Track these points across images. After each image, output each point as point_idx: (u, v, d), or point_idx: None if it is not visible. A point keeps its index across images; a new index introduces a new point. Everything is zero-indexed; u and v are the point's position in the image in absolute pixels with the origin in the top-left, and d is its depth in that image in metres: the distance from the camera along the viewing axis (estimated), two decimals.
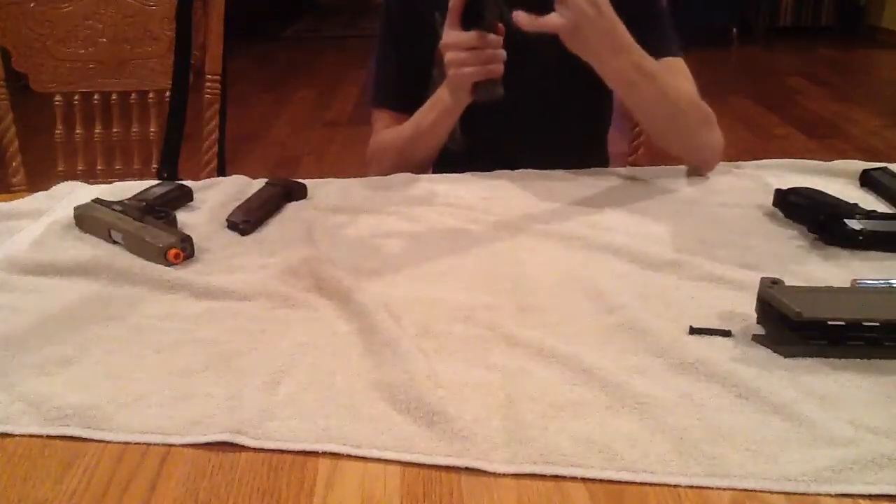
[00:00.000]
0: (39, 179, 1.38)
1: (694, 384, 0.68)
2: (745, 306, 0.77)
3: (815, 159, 1.18)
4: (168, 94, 1.52)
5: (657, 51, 1.10)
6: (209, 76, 1.54)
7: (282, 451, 0.62)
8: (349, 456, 0.61)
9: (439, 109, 1.15)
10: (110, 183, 1.17)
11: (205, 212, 1.05)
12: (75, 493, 0.58)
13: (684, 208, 1.03)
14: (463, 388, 0.67)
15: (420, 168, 1.23)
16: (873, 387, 0.67)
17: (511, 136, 1.24)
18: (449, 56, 1.04)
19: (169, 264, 0.89)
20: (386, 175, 1.17)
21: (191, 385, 0.69)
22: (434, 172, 1.26)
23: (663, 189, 1.09)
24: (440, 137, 1.20)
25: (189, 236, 0.92)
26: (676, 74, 1.16)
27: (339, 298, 0.82)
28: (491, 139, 1.24)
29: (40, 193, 1.13)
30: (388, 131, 1.28)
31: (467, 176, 1.15)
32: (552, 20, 0.95)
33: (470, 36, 1.01)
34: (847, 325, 0.71)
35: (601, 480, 0.58)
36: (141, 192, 1.05)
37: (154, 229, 0.93)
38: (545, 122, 1.25)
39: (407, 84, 1.27)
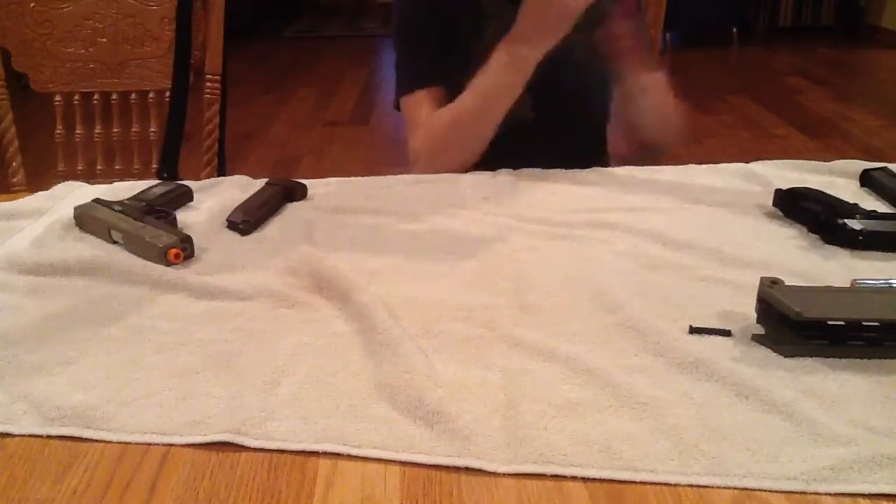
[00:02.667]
0: (39, 179, 1.38)
1: (694, 384, 0.68)
2: (745, 306, 0.77)
3: (815, 159, 1.18)
4: (168, 94, 1.53)
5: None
6: (209, 76, 1.54)
7: (282, 451, 0.62)
8: (349, 456, 0.61)
9: (513, 67, 1.09)
10: (110, 183, 1.17)
11: (205, 212, 1.05)
12: (75, 493, 0.58)
13: (684, 208, 1.03)
14: (463, 388, 0.67)
15: (482, 149, 1.16)
16: (873, 387, 0.67)
17: (527, 136, 1.22)
18: None
19: (169, 264, 0.89)
20: (447, 167, 1.14)
21: (191, 385, 0.69)
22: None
23: (663, 189, 1.09)
24: (511, 102, 1.12)
25: (189, 236, 0.92)
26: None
27: (339, 298, 0.82)
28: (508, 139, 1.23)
29: (40, 193, 1.13)
30: (442, 112, 1.18)
31: (467, 176, 1.15)
32: None
33: None
34: (847, 325, 0.71)
35: (601, 480, 0.58)
36: (141, 192, 1.05)
37: (154, 229, 0.93)
38: (557, 121, 1.25)
39: (446, 62, 1.20)
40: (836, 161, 1.16)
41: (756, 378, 0.67)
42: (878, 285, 0.81)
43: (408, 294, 0.83)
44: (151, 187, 1.07)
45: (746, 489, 0.57)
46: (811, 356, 0.71)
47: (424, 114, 1.21)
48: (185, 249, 0.91)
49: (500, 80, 1.11)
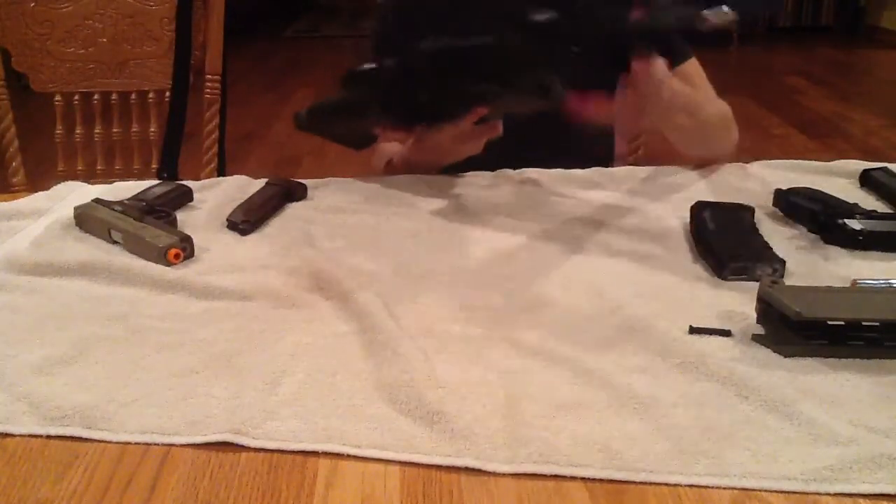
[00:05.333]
0: (39, 179, 1.38)
1: (694, 384, 0.68)
2: (745, 306, 0.77)
3: (815, 159, 1.18)
4: (168, 94, 1.53)
5: (679, 55, 1.22)
6: (209, 76, 1.54)
7: (282, 451, 0.62)
8: (349, 456, 0.61)
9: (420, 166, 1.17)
10: (110, 183, 1.17)
11: (205, 212, 1.05)
12: (75, 493, 0.58)
13: (684, 208, 1.03)
14: (463, 388, 0.67)
15: None
16: (873, 387, 0.67)
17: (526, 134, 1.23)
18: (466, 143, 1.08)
19: (169, 264, 0.89)
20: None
21: (191, 385, 0.69)
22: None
23: (663, 189, 1.09)
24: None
25: (189, 236, 0.92)
26: (695, 79, 1.25)
27: (339, 298, 0.82)
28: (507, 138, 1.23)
29: (40, 193, 1.13)
30: (378, 164, 1.28)
31: (467, 176, 1.15)
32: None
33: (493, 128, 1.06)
34: (847, 325, 0.71)
35: (601, 480, 0.58)
36: (141, 192, 1.05)
37: (154, 229, 0.93)
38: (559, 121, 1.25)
39: None
40: (836, 161, 1.16)
41: (756, 378, 0.67)
42: (878, 285, 0.81)
43: (408, 294, 0.83)
44: (151, 187, 1.07)
45: (746, 489, 0.57)
46: (811, 356, 0.71)
47: (375, 157, 1.29)
48: (185, 249, 0.91)
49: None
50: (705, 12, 0.92)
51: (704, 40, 0.96)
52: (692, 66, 1.26)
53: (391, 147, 1.27)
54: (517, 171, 1.16)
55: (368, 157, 1.32)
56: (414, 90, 1.04)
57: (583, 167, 1.17)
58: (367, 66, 1.06)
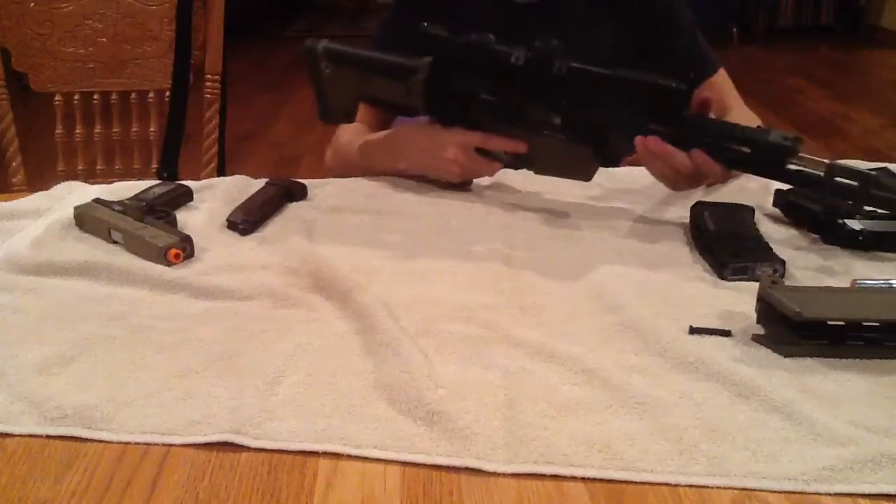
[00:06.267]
0: (39, 179, 1.38)
1: (694, 384, 0.68)
2: (745, 306, 0.77)
3: None
4: (168, 94, 1.53)
5: (710, 67, 1.24)
6: (209, 76, 1.55)
7: (282, 451, 0.62)
8: (349, 456, 0.61)
9: (384, 164, 1.16)
10: (110, 183, 1.17)
11: (205, 212, 1.04)
12: (75, 493, 0.58)
13: (684, 208, 1.03)
14: (463, 388, 0.67)
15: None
16: (873, 387, 0.67)
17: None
18: (460, 160, 1.05)
19: (169, 264, 0.89)
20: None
21: (191, 385, 0.69)
22: None
23: (664, 189, 1.09)
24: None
25: (189, 236, 0.92)
26: (725, 90, 1.25)
27: (339, 298, 0.82)
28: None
29: (40, 193, 1.13)
30: (343, 149, 1.25)
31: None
32: (682, 161, 0.92)
33: (491, 167, 1.05)
34: (847, 325, 0.71)
35: (601, 480, 0.58)
36: (141, 192, 1.05)
37: (154, 229, 0.93)
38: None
39: None
40: None
41: (756, 378, 0.67)
42: (878, 285, 0.81)
43: (408, 294, 0.83)
44: (151, 187, 1.07)
45: (746, 489, 0.57)
46: (811, 356, 0.71)
47: (343, 137, 1.26)
48: (185, 249, 0.91)
49: (376, 160, 1.17)
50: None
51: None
52: (721, 77, 1.26)
53: (353, 133, 1.25)
54: (517, 171, 1.16)
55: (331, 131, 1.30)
56: (473, 79, 0.98)
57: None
58: (426, 25, 0.99)
